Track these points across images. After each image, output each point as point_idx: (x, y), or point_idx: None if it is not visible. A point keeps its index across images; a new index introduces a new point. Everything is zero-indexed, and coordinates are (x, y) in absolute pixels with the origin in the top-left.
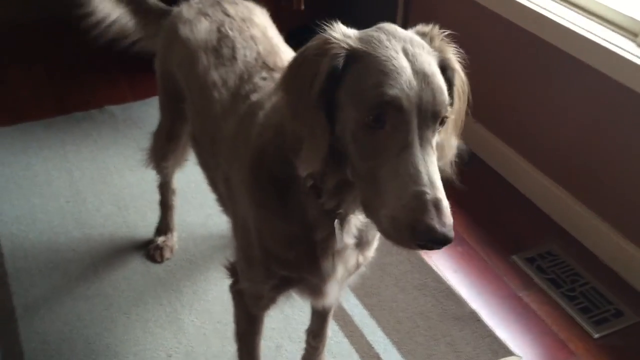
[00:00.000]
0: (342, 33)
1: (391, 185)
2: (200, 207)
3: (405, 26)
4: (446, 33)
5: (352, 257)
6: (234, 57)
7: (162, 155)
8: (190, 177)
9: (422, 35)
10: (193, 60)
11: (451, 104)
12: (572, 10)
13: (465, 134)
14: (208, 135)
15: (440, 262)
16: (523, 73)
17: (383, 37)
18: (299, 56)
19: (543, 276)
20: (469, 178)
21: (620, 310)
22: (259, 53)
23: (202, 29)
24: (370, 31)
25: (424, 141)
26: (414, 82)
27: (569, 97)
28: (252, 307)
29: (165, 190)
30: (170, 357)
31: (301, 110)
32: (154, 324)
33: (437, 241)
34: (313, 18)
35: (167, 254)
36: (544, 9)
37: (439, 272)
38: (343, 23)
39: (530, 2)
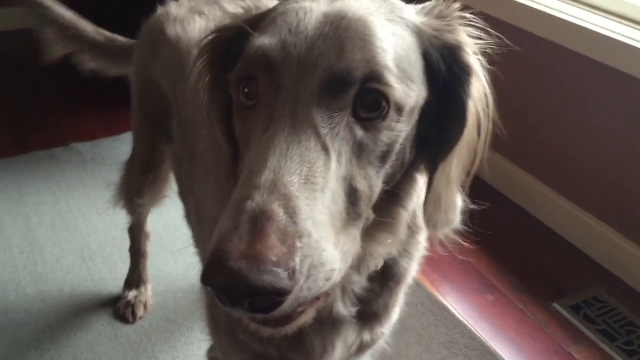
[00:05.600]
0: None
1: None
2: (180, 255)
3: None
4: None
5: (351, 333)
6: None
7: (137, 190)
8: (168, 220)
9: (425, 11)
10: (184, 63)
11: (462, 125)
12: (607, 18)
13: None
14: (188, 148)
15: (468, 313)
16: (553, 94)
17: None
18: None
19: (593, 327)
20: (494, 218)
21: None
22: None
23: (196, 28)
24: None
25: (302, 121)
26: (310, 26)
27: (609, 120)
28: None
29: (137, 234)
30: None
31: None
32: None
33: (220, 286)
34: None
35: (140, 312)
36: (570, 15)
37: (469, 325)
38: None
39: (551, 9)
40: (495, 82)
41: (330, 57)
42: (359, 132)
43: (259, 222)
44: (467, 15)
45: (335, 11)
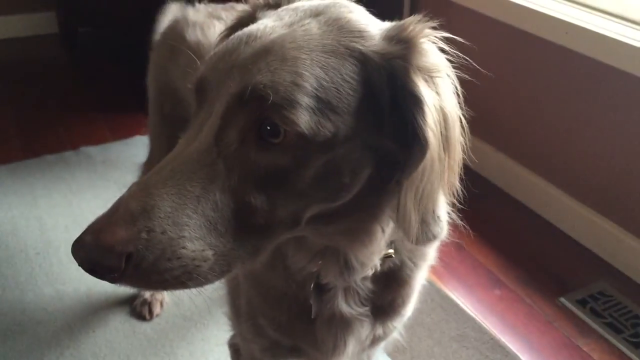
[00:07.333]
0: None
1: None
2: None
3: None
4: (444, 35)
5: (364, 329)
6: None
7: None
8: None
9: (391, 33)
10: None
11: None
12: (603, 18)
13: (482, 163)
14: None
15: (477, 308)
16: (552, 91)
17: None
18: None
19: (600, 320)
20: (500, 216)
21: None
22: None
23: (216, 33)
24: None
25: (205, 134)
26: (244, 54)
27: (610, 116)
28: None
29: None
30: None
31: None
32: None
33: (76, 258)
34: None
35: (156, 309)
36: (571, 17)
37: (478, 319)
38: None
39: (554, 10)
40: (497, 82)
41: (242, 78)
42: (258, 153)
43: (115, 211)
44: (436, 35)
45: (269, 43)
